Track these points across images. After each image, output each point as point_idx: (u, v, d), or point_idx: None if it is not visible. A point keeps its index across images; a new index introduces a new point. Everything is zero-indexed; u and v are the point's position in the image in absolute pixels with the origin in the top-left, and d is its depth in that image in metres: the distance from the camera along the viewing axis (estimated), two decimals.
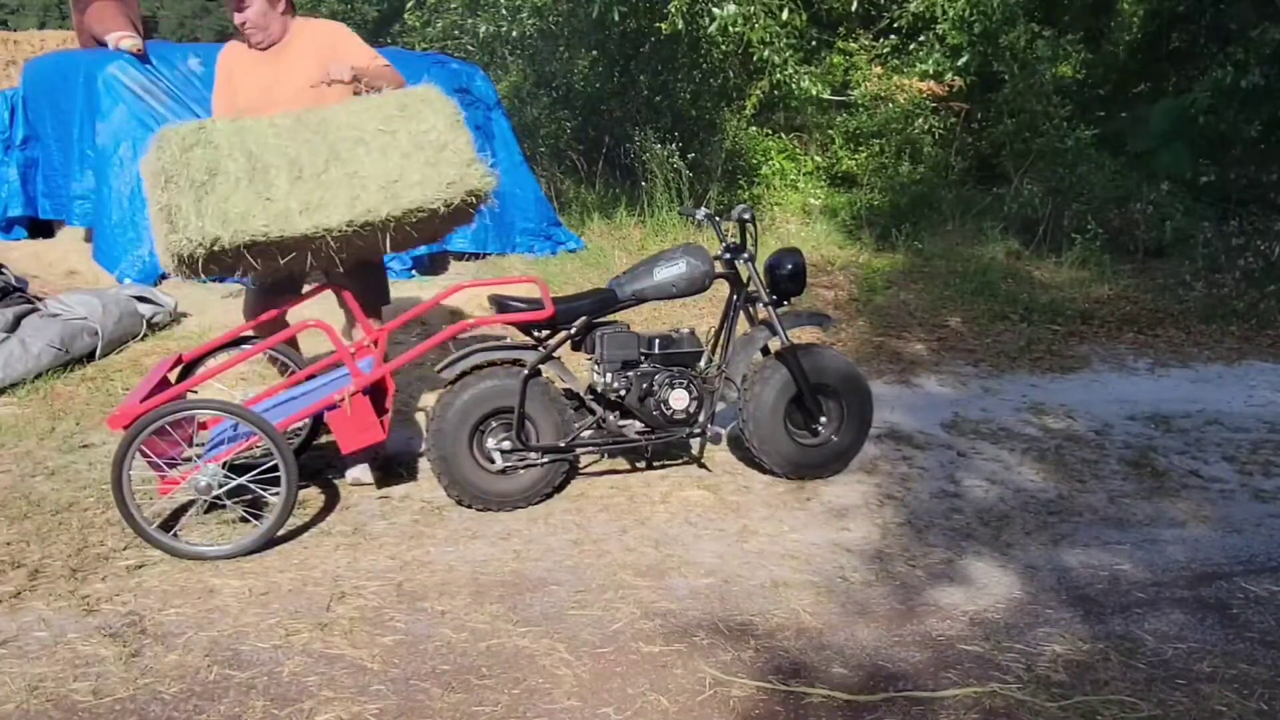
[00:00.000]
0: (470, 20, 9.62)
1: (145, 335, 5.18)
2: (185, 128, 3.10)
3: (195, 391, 3.48)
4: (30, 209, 6.44)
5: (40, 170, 6.37)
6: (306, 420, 3.44)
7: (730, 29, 7.57)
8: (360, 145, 3.19)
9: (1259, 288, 6.61)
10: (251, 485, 3.15)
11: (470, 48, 10.19)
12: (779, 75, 8.03)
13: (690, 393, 3.62)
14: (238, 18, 3.57)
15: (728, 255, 3.75)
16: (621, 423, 3.65)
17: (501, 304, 3.53)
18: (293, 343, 3.74)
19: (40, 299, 5.01)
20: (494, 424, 3.49)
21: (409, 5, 10.96)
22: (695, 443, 3.79)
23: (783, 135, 9.86)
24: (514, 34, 9.18)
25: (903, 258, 7.58)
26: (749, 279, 3.75)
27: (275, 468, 3.09)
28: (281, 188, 3.07)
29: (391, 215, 3.13)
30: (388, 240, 3.22)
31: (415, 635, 2.72)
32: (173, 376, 3.44)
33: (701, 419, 3.68)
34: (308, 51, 3.63)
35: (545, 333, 3.59)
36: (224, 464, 3.11)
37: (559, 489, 3.64)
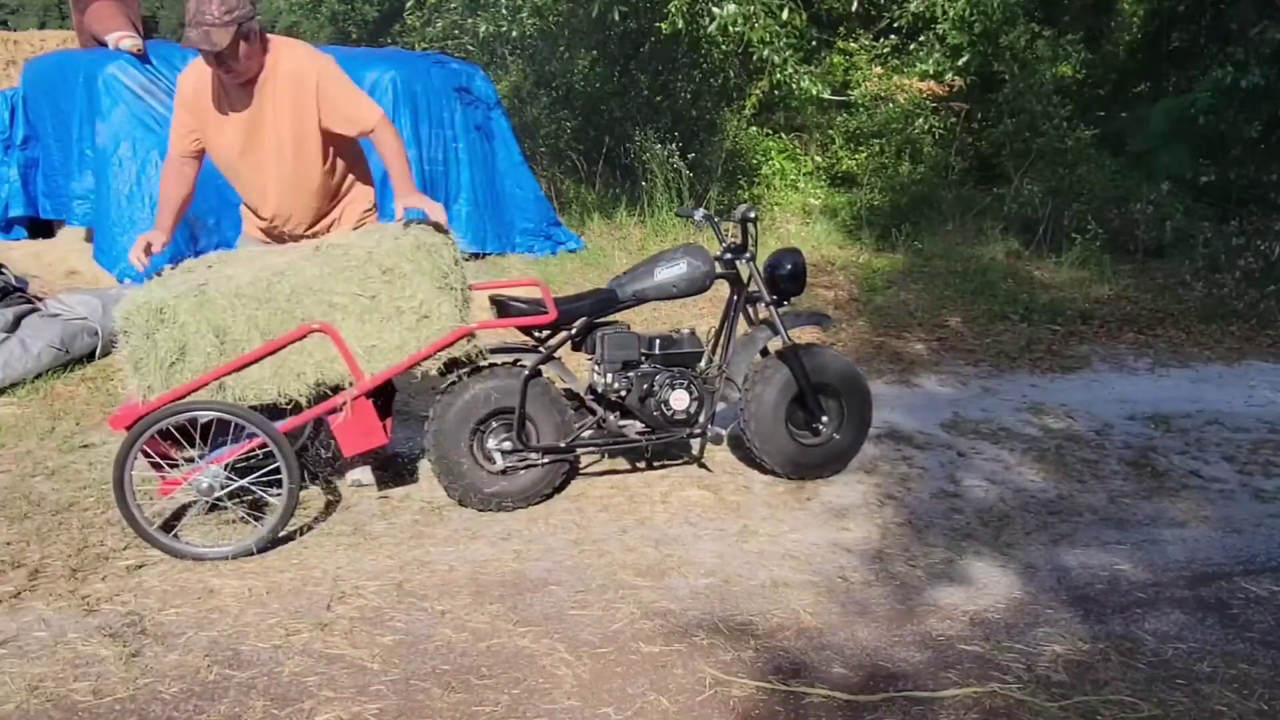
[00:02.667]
0: (470, 20, 9.62)
1: None
2: (146, 308, 2.97)
3: None
4: (31, 209, 6.44)
5: (40, 170, 6.37)
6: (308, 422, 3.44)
7: (730, 29, 7.57)
8: (336, 310, 3.12)
9: (1259, 288, 6.61)
10: (253, 487, 3.15)
11: (470, 48, 10.19)
12: (779, 75, 8.04)
13: (691, 393, 3.62)
14: (219, 69, 3.18)
15: (728, 255, 3.75)
16: (622, 423, 3.65)
17: (502, 306, 3.53)
18: None
19: (40, 299, 5.00)
20: (494, 424, 3.49)
21: (409, 5, 10.96)
22: (695, 443, 3.79)
23: (783, 135, 9.86)
24: (514, 34, 9.19)
25: (903, 258, 7.58)
26: (749, 279, 3.75)
27: (277, 469, 3.09)
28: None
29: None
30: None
31: (415, 635, 2.72)
32: None
33: (702, 419, 3.68)
34: (286, 95, 3.25)
35: (545, 333, 3.59)
36: (226, 465, 3.11)
37: (559, 489, 3.64)
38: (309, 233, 3.51)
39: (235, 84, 3.24)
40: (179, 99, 3.38)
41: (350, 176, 3.54)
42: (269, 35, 3.29)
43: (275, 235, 3.53)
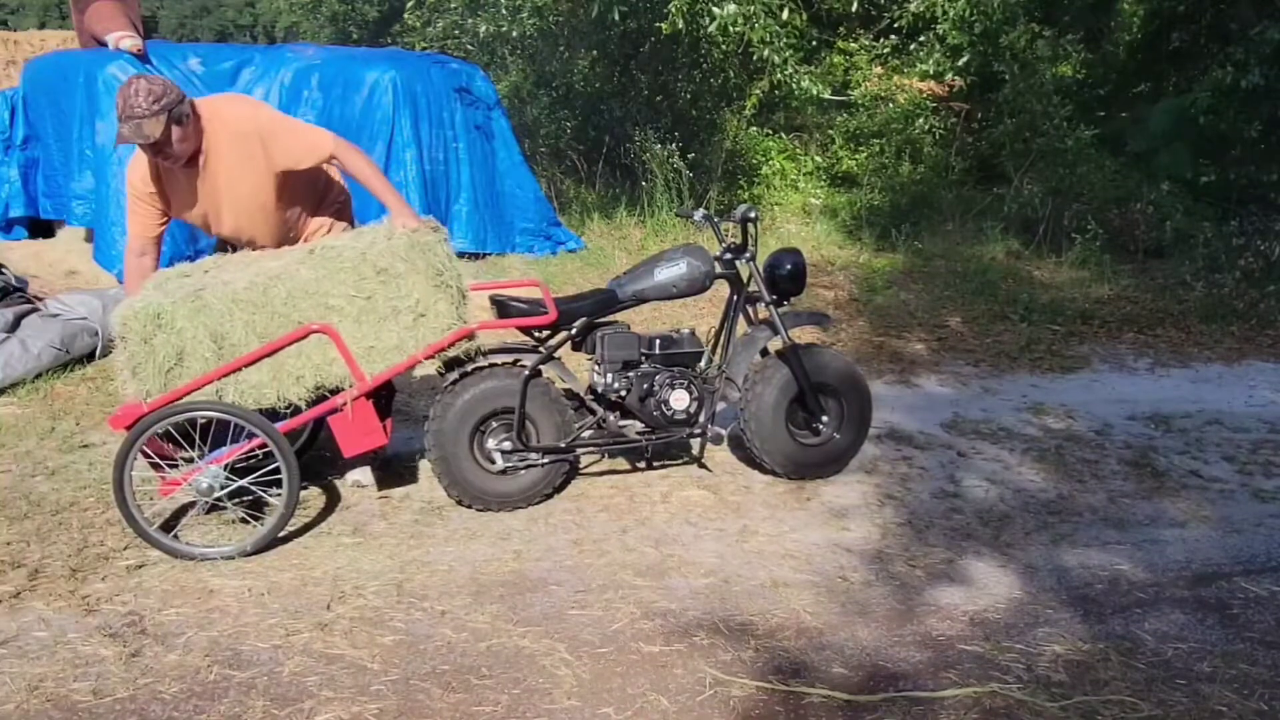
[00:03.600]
0: (470, 20, 9.62)
1: None
2: (144, 314, 2.98)
3: None
4: (32, 209, 6.44)
5: (40, 170, 6.37)
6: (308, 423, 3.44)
7: (730, 29, 7.57)
8: (333, 312, 3.13)
9: (1259, 288, 6.61)
10: (253, 487, 3.15)
11: (470, 48, 10.19)
12: (779, 75, 8.04)
13: (690, 393, 3.62)
14: (158, 157, 3.19)
15: (728, 255, 3.75)
16: (622, 423, 3.65)
17: (502, 306, 3.53)
18: None
19: (40, 299, 5.01)
20: (494, 424, 3.49)
21: (409, 5, 10.96)
22: (695, 443, 3.79)
23: (783, 135, 9.87)
24: (514, 34, 9.18)
25: (903, 258, 7.58)
26: (749, 279, 3.75)
27: (277, 469, 3.09)
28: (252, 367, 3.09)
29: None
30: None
31: (415, 635, 2.72)
32: None
33: (702, 419, 3.68)
34: (235, 160, 3.25)
35: (545, 333, 3.59)
36: (226, 466, 3.11)
37: (559, 489, 3.64)
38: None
39: (178, 166, 3.24)
40: (133, 193, 3.33)
41: (320, 202, 3.60)
42: (198, 106, 3.24)
43: None
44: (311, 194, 3.55)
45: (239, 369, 3.08)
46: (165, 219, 3.39)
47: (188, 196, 3.33)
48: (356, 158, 3.40)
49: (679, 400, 3.60)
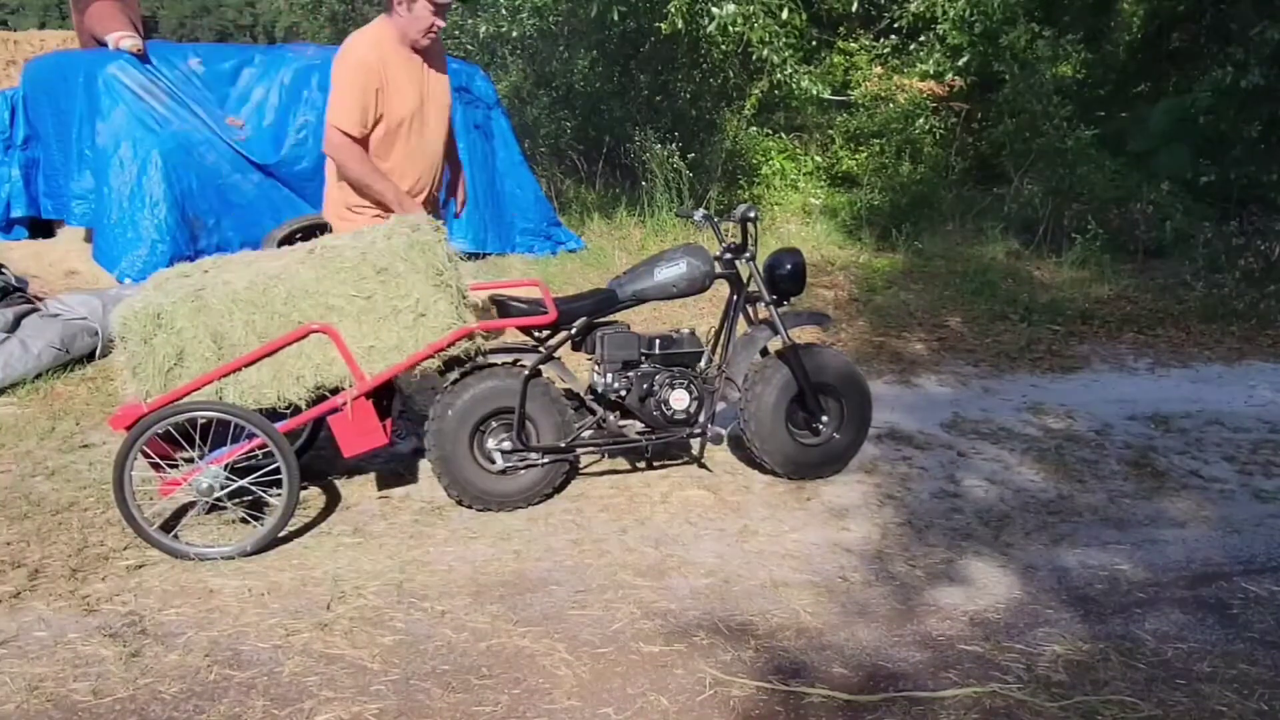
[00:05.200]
0: (470, 20, 9.62)
1: None
2: (144, 314, 2.97)
3: None
4: (33, 209, 6.44)
5: (41, 170, 6.37)
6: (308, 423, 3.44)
7: (730, 29, 7.57)
8: (333, 312, 3.13)
9: (1259, 288, 6.61)
10: (253, 487, 3.15)
11: (470, 48, 10.19)
12: (779, 75, 8.04)
13: (690, 393, 3.62)
14: (438, 23, 3.47)
15: (728, 255, 3.75)
16: (622, 423, 3.65)
17: (502, 306, 3.53)
18: None
19: (40, 299, 5.01)
20: (494, 424, 3.49)
21: None
22: (695, 443, 3.79)
23: (783, 135, 9.87)
24: (514, 34, 9.18)
25: (903, 258, 7.58)
26: (749, 279, 3.75)
27: (277, 469, 3.09)
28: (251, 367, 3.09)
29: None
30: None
31: (415, 635, 2.72)
32: None
33: (702, 419, 3.68)
34: (439, 65, 3.65)
35: (545, 333, 3.59)
36: (226, 466, 3.11)
37: (559, 489, 3.64)
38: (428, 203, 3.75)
39: (419, 44, 3.51)
40: (367, 74, 3.40)
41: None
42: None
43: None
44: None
45: (239, 369, 3.08)
46: (379, 118, 3.48)
47: (408, 88, 3.51)
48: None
49: (679, 400, 3.60)
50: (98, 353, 4.88)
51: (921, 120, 9.24)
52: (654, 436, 3.65)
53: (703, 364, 3.75)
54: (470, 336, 3.32)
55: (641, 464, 3.92)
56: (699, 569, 3.12)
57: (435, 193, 3.83)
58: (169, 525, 3.24)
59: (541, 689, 2.49)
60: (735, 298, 3.79)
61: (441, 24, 3.51)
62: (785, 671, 2.59)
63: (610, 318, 3.69)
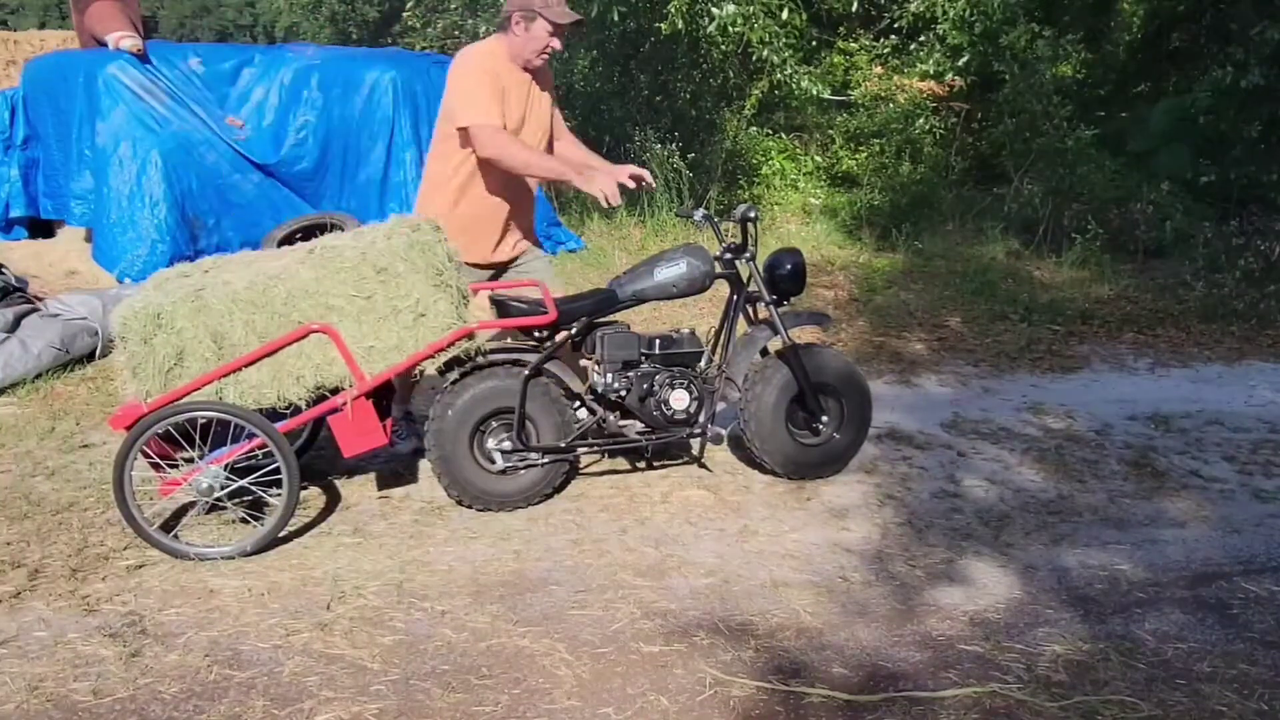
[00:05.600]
0: (470, 20, 9.63)
1: None
2: (144, 314, 2.98)
3: None
4: (32, 209, 6.45)
5: (40, 170, 6.37)
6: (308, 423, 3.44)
7: (730, 29, 7.58)
8: (333, 312, 3.13)
9: (1259, 288, 6.61)
10: (253, 487, 3.15)
11: None
12: (779, 75, 8.05)
13: (690, 393, 3.62)
14: (554, 45, 3.50)
15: (728, 255, 3.75)
16: (622, 423, 3.65)
17: (502, 306, 3.53)
18: None
19: (40, 299, 5.01)
20: (494, 424, 3.49)
21: (409, 5, 10.97)
22: (695, 443, 3.79)
23: (783, 135, 9.87)
24: None
25: (903, 258, 7.58)
26: (749, 279, 3.75)
27: (277, 469, 3.09)
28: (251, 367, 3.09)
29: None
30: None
31: (415, 635, 2.72)
32: None
33: (702, 419, 3.68)
34: (547, 87, 3.69)
35: (545, 333, 3.59)
36: (226, 466, 3.11)
37: (559, 489, 3.64)
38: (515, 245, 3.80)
39: (533, 65, 3.55)
40: (485, 83, 3.44)
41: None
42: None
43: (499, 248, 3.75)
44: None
45: (239, 369, 3.08)
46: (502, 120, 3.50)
47: (516, 106, 3.53)
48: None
49: (679, 400, 3.60)
50: (98, 353, 4.88)
51: (921, 120, 9.24)
52: (654, 436, 3.65)
53: (703, 364, 3.75)
54: (470, 336, 3.32)
55: (641, 464, 3.92)
56: (699, 569, 3.12)
57: (529, 215, 3.86)
58: (169, 525, 3.24)
59: (541, 689, 2.49)
60: (735, 298, 3.79)
61: (558, 46, 3.52)
62: (785, 671, 2.59)
63: (610, 318, 3.69)
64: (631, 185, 3.55)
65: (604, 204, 3.44)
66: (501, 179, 3.55)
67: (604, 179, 3.43)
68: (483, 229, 3.64)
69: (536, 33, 3.45)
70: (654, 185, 3.93)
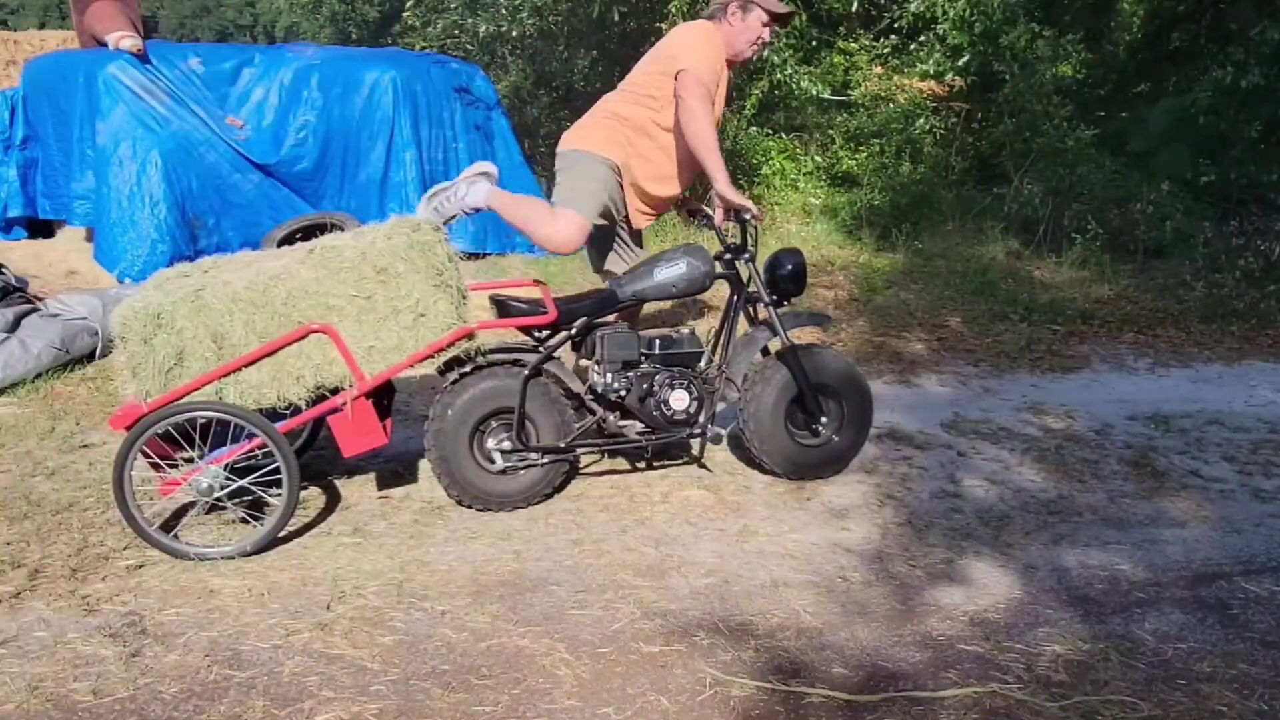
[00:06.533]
0: (470, 20, 9.63)
1: None
2: (143, 314, 2.98)
3: None
4: (30, 209, 6.45)
5: (40, 170, 6.38)
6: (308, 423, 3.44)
7: None
8: (333, 312, 3.13)
9: (1259, 288, 6.61)
10: (253, 487, 3.15)
11: (470, 48, 10.20)
12: (779, 75, 8.04)
13: (690, 393, 3.62)
14: (765, 37, 3.59)
15: (728, 255, 3.75)
16: (622, 423, 3.65)
17: (502, 306, 3.53)
18: None
19: (40, 299, 5.01)
20: (494, 424, 3.49)
21: (409, 5, 10.96)
22: (695, 443, 3.79)
23: (783, 135, 9.86)
24: (514, 34, 9.19)
25: (903, 258, 7.57)
26: (749, 279, 3.75)
27: (277, 469, 3.09)
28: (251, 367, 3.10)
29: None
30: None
31: (415, 635, 2.72)
32: None
33: (702, 419, 3.68)
34: (730, 80, 3.77)
35: (545, 333, 3.59)
36: (226, 466, 3.11)
37: (559, 489, 3.64)
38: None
39: (747, 55, 3.63)
40: (720, 55, 3.55)
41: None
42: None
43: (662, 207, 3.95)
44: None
45: (239, 369, 3.08)
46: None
47: (719, 94, 3.59)
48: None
49: (679, 400, 3.60)
50: (98, 353, 4.88)
51: (921, 120, 9.23)
52: (654, 436, 3.65)
53: (703, 364, 3.75)
54: (470, 336, 3.32)
55: (641, 464, 3.92)
56: (699, 569, 3.13)
57: (673, 198, 4.01)
58: (169, 525, 3.24)
59: (541, 689, 2.49)
60: (735, 298, 3.79)
61: (768, 38, 3.54)
62: (785, 671, 2.59)
63: (610, 318, 3.69)
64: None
65: (749, 219, 3.54)
66: (682, 151, 3.63)
67: (738, 198, 3.53)
68: (672, 171, 3.75)
69: (752, 23, 3.46)
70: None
